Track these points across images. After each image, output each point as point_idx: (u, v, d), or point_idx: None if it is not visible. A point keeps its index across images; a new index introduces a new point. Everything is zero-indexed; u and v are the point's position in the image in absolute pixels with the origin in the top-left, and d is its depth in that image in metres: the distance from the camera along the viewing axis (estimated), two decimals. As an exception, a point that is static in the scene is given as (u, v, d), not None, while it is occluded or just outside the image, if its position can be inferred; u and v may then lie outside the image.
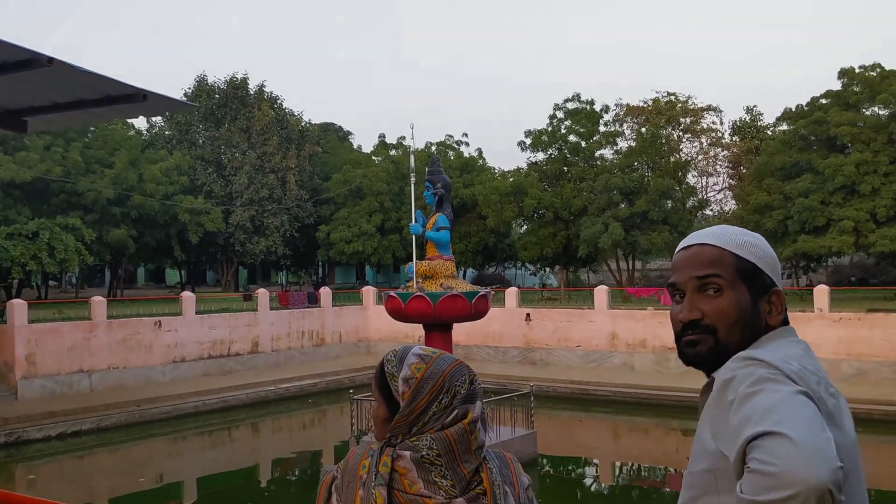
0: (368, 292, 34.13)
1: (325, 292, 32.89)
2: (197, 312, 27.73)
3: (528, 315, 29.61)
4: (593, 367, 27.58)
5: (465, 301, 15.52)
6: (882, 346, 23.16)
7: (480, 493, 1.69)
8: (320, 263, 55.93)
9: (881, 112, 32.11)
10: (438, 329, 16.11)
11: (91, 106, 3.74)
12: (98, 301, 25.32)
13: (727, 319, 1.56)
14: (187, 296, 28.25)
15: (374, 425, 1.80)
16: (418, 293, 15.51)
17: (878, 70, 32.53)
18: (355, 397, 16.73)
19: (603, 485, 18.36)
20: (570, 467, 19.59)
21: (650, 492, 17.56)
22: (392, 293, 16.46)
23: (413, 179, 16.90)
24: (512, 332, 29.83)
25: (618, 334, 27.70)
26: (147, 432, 21.77)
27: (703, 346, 1.60)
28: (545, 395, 25.31)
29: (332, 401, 25.45)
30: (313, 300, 32.50)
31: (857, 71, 33.02)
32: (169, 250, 41.97)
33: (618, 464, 20.05)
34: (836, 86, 33.76)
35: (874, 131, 31.18)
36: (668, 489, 17.49)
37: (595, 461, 20.27)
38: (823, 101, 33.93)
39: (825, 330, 24.13)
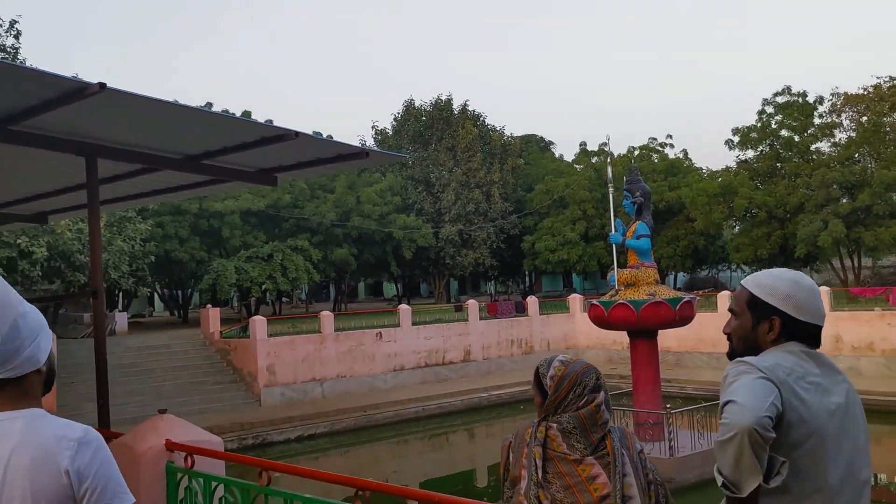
0: (575, 300, 34.50)
1: (532, 301, 33.66)
2: (413, 324, 29.50)
3: (739, 319, 28.70)
4: (816, 373, 26.29)
5: (669, 307, 15.63)
6: None
7: (605, 453, 2.55)
8: (527, 273, 56.88)
9: None
10: (643, 336, 16.32)
11: (326, 163, 4.65)
12: (326, 315, 27.69)
13: (736, 334, 2.36)
14: (404, 308, 30.11)
15: (536, 408, 2.56)
16: (621, 301, 15.82)
17: None
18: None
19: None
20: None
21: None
22: (595, 301, 16.88)
23: (611, 188, 17.22)
24: (726, 337, 29.01)
25: (842, 337, 26.23)
26: (373, 436, 23.51)
27: (729, 350, 2.42)
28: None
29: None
30: (520, 309, 33.37)
31: None
32: (386, 266, 44.65)
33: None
34: None
35: None
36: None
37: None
38: None
39: None
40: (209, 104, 39.01)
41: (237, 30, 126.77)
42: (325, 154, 4.48)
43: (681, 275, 54.62)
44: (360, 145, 4.28)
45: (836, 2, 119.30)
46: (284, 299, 52.39)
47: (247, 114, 40.47)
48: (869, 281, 45.47)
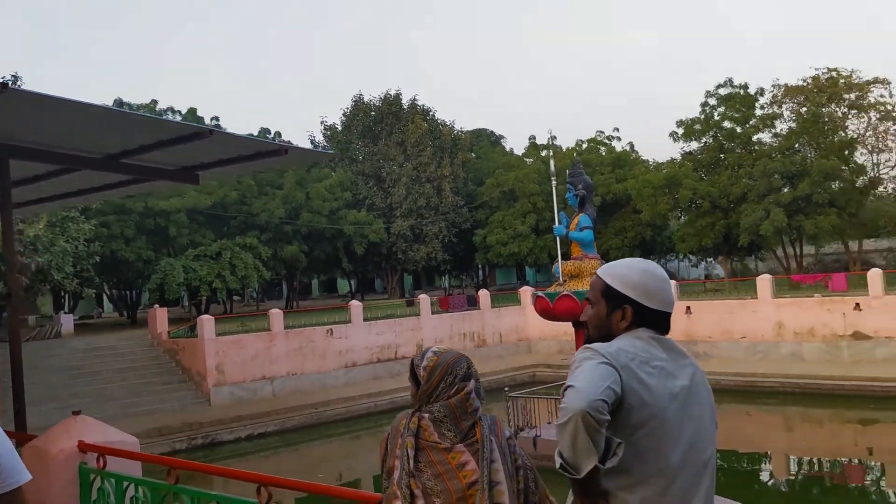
0: (526, 293, 34.77)
1: (484, 294, 33.84)
2: (364, 319, 29.47)
3: (688, 308, 29.21)
4: (759, 358, 26.86)
5: (613, 298, 15.84)
6: None
7: (474, 441, 2.60)
8: (480, 266, 57.18)
9: None
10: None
11: (246, 160, 4.66)
12: (276, 313, 27.52)
13: (592, 322, 2.42)
14: (355, 304, 30.06)
15: (411, 398, 2.73)
16: (566, 292, 15.99)
17: None
18: (510, 394, 17.41)
19: (775, 478, 17.96)
20: (734, 461, 19.31)
21: (829, 485, 17.05)
22: (540, 293, 17.05)
23: (555, 182, 17.39)
24: (673, 326, 29.09)
25: (784, 324, 26.85)
26: (324, 433, 23.45)
27: (586, 337, 2.44)
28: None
29: (494, 399, 26.24)
30: (472, 303, 33.52)
31: None
32: (337, 262, 44.53)
33: (788, 456, 19.51)
34: None
35: None
36: (849, 482, 16.96)
37: (765, 454, 19.82)
38: None
39: None
40: (120, 101, 38.36)
41: (180, 29, 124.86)
42: (244, 151, 4.49)
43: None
44: (279, 142, 4.29)
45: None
46: (236, 298, 51.89)
47: (192, 111, 39.96)
48: (812, 268, 46.67)
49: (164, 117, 38.95)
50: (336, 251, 42.63)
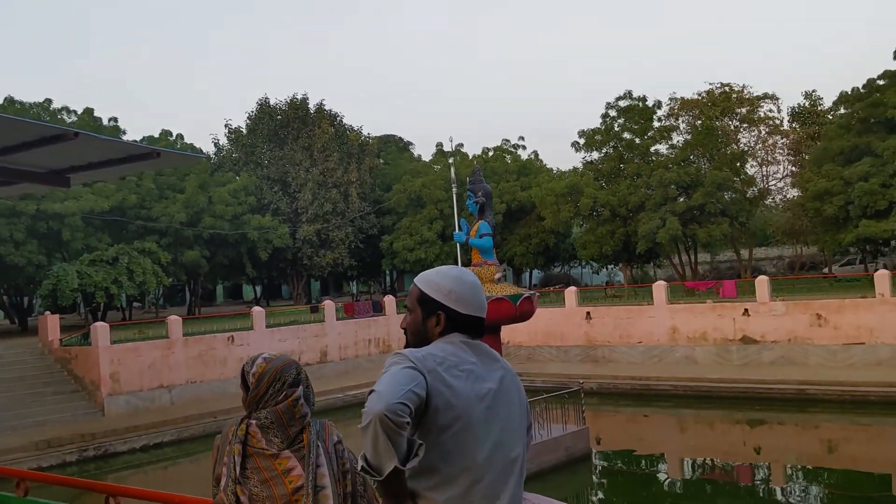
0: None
1: (389, 300, 33.84)
2: (267, 326, 29.04)
3: (588, 314, 29.95)
4: (655, 362, 27.72)
5: (510, 304, 16.10)
6: (947, 328, 22.72)
7: (301, 447, 2.67)
8: (387, 272, 57.15)
9: (941, 89, 31.38)
10: (487, 332, 16.70)
11: (118, 164, 4.59)
12: (174, 320, 26.83)
13: (410, 329, 2.47)
14: (257, 310, 29.60)
15: (242, 404, 2.77)
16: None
17: (936, 47, 31.79)
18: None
19: (664, 478, 18.47)
20: (627, 462, 19.85)
21: (719, 484, 17.67)
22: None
23: (455, 189, 17.60)
24: (573, 331, 30.19)
25: (678, 328, 27.81)
26: (224, 442, 22.94)
27: (405, 344, 2.47)
28: (607, 392, 25.66)
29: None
30: (378, 309, 33.49)
31: (913, 49, 32.33)
32: (241, 268, 43.69)
33: (680, 457, 20.07)
34: (894, 66, 33.10)
35: (933, 110, 30.51)
36: (738, 481, 17.62)
37: (656, 455, 20.39)
38: (881, 82, 33.31)
39: (888, 315, 23.87)
40: (11, 99, 36.88)
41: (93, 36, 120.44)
42: (115, 154, 4.41)
43: (535, 272, 56.40)
44: (149, 146, 4.25)
45: (674, 9, 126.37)
46: (136, 304, 50.30)
47: (89, 111, 38.60)
48: (707, 275, 48.58)
49: (59, 117, 37.69)
50: (240, 257, 41.82)
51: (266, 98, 48.13)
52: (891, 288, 24.16)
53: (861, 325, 24.18)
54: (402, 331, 2.50)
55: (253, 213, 41.53)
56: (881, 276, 24.64)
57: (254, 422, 2.66)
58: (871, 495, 15.99)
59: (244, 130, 48.70)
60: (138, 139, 42.13)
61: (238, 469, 2.61)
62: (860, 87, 34.26)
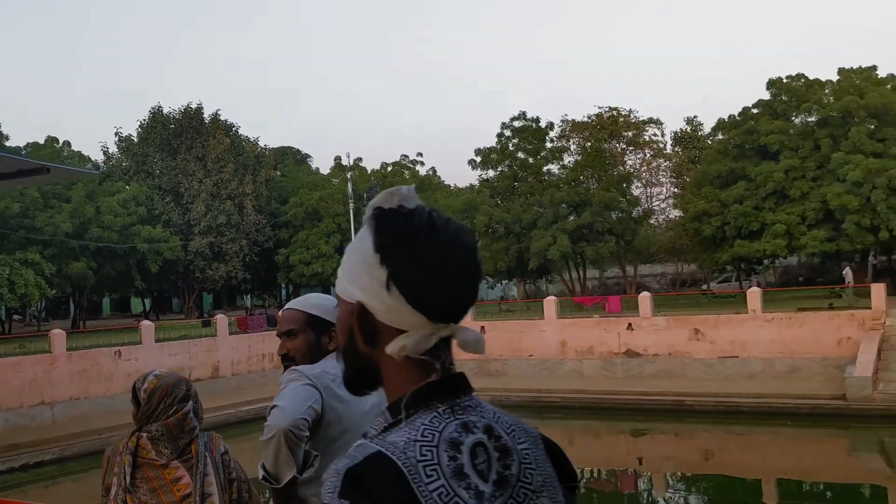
0: (330, 313, 34.82)
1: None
2: (157, 340, 28.30)
3: (482, 328, 30.48)
4: (545, 375, 28.45)
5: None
6: (812, 343, 24.28)
7: (190, 457, 2.90)
8: (283, 286, 56.50)
9: (809, 119, 33.75)
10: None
11: (9, 178, 4.67)
12: (57, 334, 25.85)
13: (301, 351, 2.67)
14: (146, 324, 28.84)
15: (133, 419, 2.99)
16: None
17: (803, 80, 34.22)
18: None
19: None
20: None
21: (604, 493, 18.35)
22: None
23: (352, 203, 17.84)
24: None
25: (567, 342, 28.65)
26: (109, 459, 22.26)
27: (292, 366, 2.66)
28: (499, 405, 26.09)
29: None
30: (273, 323, 33.11)
31: (784, 81, 34.67)
32: (130, 280, 42.40)
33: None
34: (766, 95, 35.39)
35: (801, 138, 32.79)
36: (622, 490, 18.40)
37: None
38: (755, 110, 35.53)
39: (759, 330, 25.31)
40: None
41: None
42: (6, 169, 4.48)
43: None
44: (38, 162, 4.35)
45: (569, 33, 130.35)
46: (16, 317, 47.99)
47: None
48: (596, 290, 50.23)
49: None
50: (128, 269, 40.58)
51: (159, 106, 47.03)
52: (762, 305, 25.70)
53: (735, 339, 25.59)
54: (281, 358, 2.68)
55: (143, 223, 40.43)
56: (753, 294, 26.21)
57: (144, 434, 2.85)
58: (745, 500, 17.03)
59: (135, 139, 47.37)
60: (22, 146, 40.46)
61: (128, 478, 2.80)
62: (736, 114, 36.44)
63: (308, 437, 2.37)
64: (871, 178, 29.77)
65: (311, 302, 2.74)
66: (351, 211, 17.70)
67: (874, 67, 34.23)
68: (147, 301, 54.64)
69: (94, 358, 26.06)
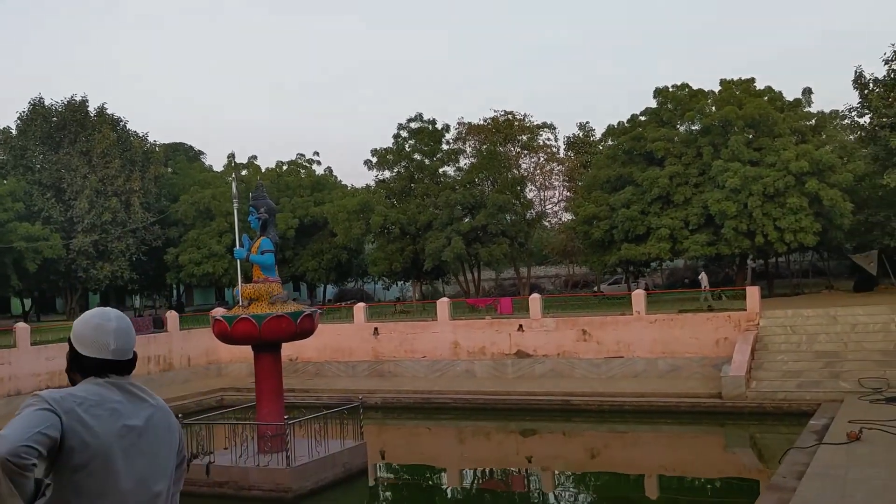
0: (217, 314, 33.96)
1: (172, 316, 32.54)
2: (33, 343, 26.95)
3: (375, 329, 30.38)
4: (438, 376, 28.53)
5: (290, 321, 16.17)
6: (692, 343, 25.25)
7: None
8: (174, 286, 54.83)
9: (692, 127, 35.08)
10: (266, 349, 16.68)
11: None
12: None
13: (67, 373, 2.59)
14: (21, 327, 27.44)
15: None
16: (244, 316, 16.05)
17: (687, 89, 35.56)
18: (184, 421, 16.95)
19: (443, 489, 19.06)
20: (406, 474, 20.38)
21: (495, 493, 18.45)
22: (219, 316, 16.96)
23: (236, 203, 17.42)
24: (361, 346, 30.46)
25: (459, 343, 28.82)
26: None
27: None
28: (391, 407, 26.15)
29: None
30: (160, 325, 32.10)
31: (669, 90, 35.92)
32: (5, 280, 40.22)
33: (459, 468, 20.73)
34: (654, 104, 36.58)
35: (685, 146, 34.04)
36: (513, 489, 18.54)
37: (436, 467, 20.97)
38: (642, 118, 36.68)
39: (643, 331, 26.13)
40: None
41: None
42: None
43: (330, 287, 56.38)
44: None
45: (471, 36, 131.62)
46: None
47: None
48: (493, 292, 50.82)
49: None
50: (3, 268, 38.45)
51: (40, 98, 44.80)
52: (646, 307, 26.54)
53: (620, 340, 26.36)
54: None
55: (21, 220, 38.38)
56: (637, 296, 27.04)
57: None
58: (629, 496, 17.50)
59: (14, 131, 44.96)
60: None
61: None
62: (625, 121, 37.52)
63: (34, 466, 2.21)
64: (748, 185, 31.18)
65: (75, 323, 2.64)
66: (235, 211, 17.24)
67: (752, 80, 35.86)
68: (27, 302, 51.98)
69: (-40, 363, 24.59)
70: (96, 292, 52.72)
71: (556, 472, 19.83)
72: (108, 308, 2.67)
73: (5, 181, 40.52)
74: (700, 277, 33.53)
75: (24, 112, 44.69)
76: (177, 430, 2.67)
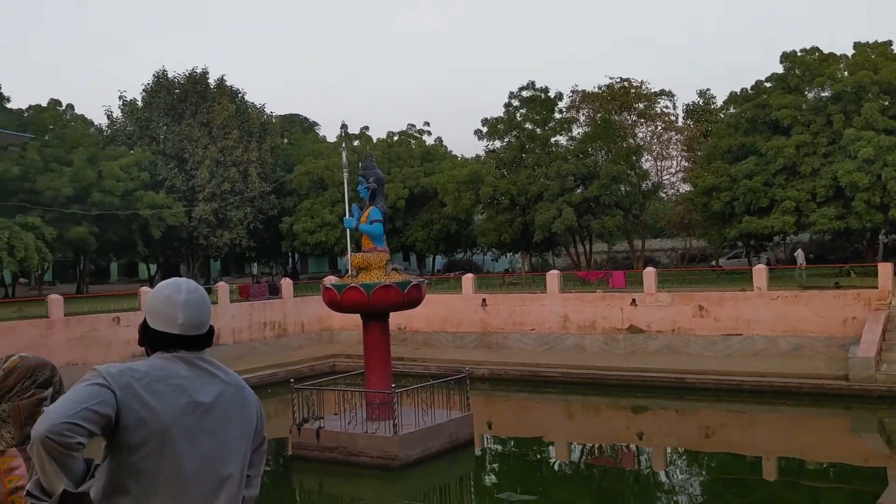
0: (327, 283, 34.57)
1: (287, 283, 33.35)
2: (155, 306, 28.14)
3: (484, 300, 30.23)
4: (546, 349, 28.20)
5: (398, 290, 16.13)
6: (817, 322, 23.91)
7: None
8: (289, 254, 56.36)
9: (822, 94, 33.00)
10: (375, 318, 16.73)
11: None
12: (55, 299, 25.71)
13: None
14: (145, 290, 28.68)
15: None
16: (353, 284, 16.11)
17: (817, 53, 33.41)
18: (296, 386, 17.28)
19: (549, 463, 18.83)
20: (513, 447, 20.22)
21: (603, 468, 18.12)
22: (329, 285, 17.10)
23: (346, 173, 17.47)
24: (469, 317, 30.41)
25: (569, 317, 28.36)
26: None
27: None
28: (498, 378, 26.05)
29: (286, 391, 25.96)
30: (274, 291, 32.95)
31: (798, 55, 33.86)
32: (132, 246, 42.26)
33: (567, 442, 20.53)
34: (780, 69, 34.60)
35: (813, 113, 32.08)
36: (622, 466, 18.15)
37: (543, 440, 20.77)
38: (767, 84, 34.77)
39: (764, 308, 24.95)
40: None
41: None
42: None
43: (439, 258, 56.66)
44: None
45: (577, 4, 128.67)
46: (22, 280, 48.01)
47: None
48: (605, 264, 49.83)
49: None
50: (131, 234, 40.38)
51: (164, 70, 46.55)
52: (767, 282, 25.29)
53: (739, 317, 25.25)
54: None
55: (146, 189, 40.16)
56: (759, 271, 25.79)
57: None
58: (744, 477, 16.82)
59: (139, 103, 46.97)
60: (24, 108, 40.14)
61: None
62: (749, 88, 35.67)
63: (81, 445, 2.03)
64: (882, 155, 29.15)
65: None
66: (345, 181, 17.27)
67: (889, 42, 33.39)
68: (153, 267, 54.58)
69: (91, 324, 25.95)
70: (216, 259, 54.82)
71: (669, 450, 19.25)
72: (182, 279, 2.45)
73: (132, 151, 42.37)
74: (796, 255, 31.73)
75: (148, 84, 46.56)
76: (254, 408, 2.44)
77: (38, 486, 2.05)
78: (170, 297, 2.32)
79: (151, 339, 2.32)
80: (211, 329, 2.40)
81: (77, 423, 1.99)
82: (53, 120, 40.17)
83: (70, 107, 42.15)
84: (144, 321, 2.35)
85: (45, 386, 2.64)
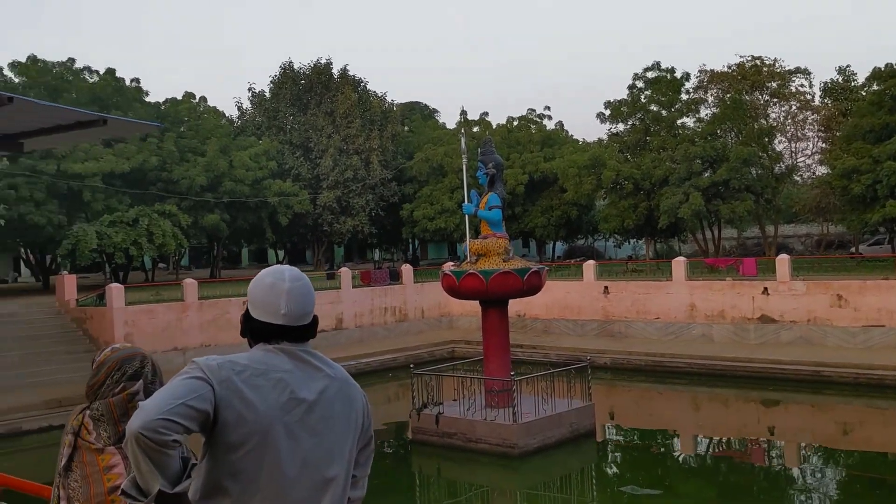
0: (446, 269, 34.74)
1: (407, 269, 33.73)
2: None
3: (605, 288, 29.60)
4: (672, 339, 27.37)
5: (517, 277, 15.93)
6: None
7: None
8: (410, 240, 57.09)
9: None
10: (494, 305, 16.60)
11: (69, 130, 4.45)
12: (190, 283, 26.94)
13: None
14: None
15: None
16: (471, 271, 16.02)
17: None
18: (416, 371, 17.37)
19: (674, 455, 18.26)
20: (635, 438, 19.67)
21: (731, 462, 17.42)
22: (447, 271, 17.07)
23: (465, 159, 17.36)
24: (590, 304, 29.85)
25: (696, 305, 27.40)
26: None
27: None
28: (621, 368, 25.48)
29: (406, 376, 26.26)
30: (395, 277, 33.39)
31: (952, 24, 31.23)
32: (261, 232, 43.83)
33: (692, 435, 19.89)
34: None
35: (969, 88, 29.53)
36: (752, 461, 17.39)
37: (667, 432, 20.16)
38: (916, 57, 32.28)
39: (912, 297, 23.29)
40: (34, 57, 36.68)
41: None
42: (63, 121, 4.28)
43: (559, 244, 56.01)
44: (95, 113, 4.11)
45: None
46: (161, 265, 50.73)
47: (111, 71, 38.53)
48: (735, 251, 47.88)
49: (82, 77, 37.74)
50: (260, 221, 41.91)
51: (290, 62, 47.90)
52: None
53: (882, 307, 23.65)
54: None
55: (274, 178, 41.50)
56: (905, 258, 24.08)
57: (88, 412, 2.56)
58: (886, 477, 15.79)
59: (267, 94, 48.56)
60: (161, 101, 42.20)
61: (64, 461, 2.53)
62: (894, 63, 33.23)
63: (177, 442, 1.91)
64: None
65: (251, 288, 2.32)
66: (465, 167, 17.17)
67: None
68: (280, 253, 56.52)
69: (223, 307, 27.02)
70: (340, 245, 56.16)
71: (803, 446, 18.26)
72: (285, 266, 2.32)
73: (260, 141, 43.86)
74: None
75: (275, 76, 48.05)
76: (361, 404, 2.28)
77: (134, 485, 1.96)
78: (273, 286, 2.20)
79: (253, 330, 2.20)
80: (315, 319, 2.27)
81: (173, 419, 1.88)
82: (188, 112, 42.07)
83: (203, 99, 44.02)
84: (247, 310, 2.24)
85: (136, 378, 2.60)
